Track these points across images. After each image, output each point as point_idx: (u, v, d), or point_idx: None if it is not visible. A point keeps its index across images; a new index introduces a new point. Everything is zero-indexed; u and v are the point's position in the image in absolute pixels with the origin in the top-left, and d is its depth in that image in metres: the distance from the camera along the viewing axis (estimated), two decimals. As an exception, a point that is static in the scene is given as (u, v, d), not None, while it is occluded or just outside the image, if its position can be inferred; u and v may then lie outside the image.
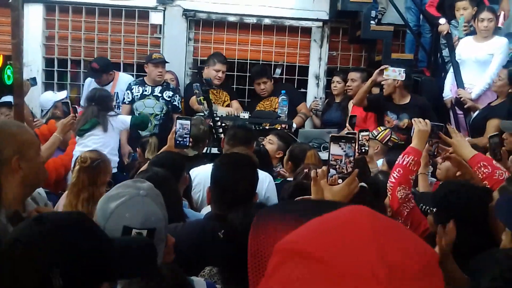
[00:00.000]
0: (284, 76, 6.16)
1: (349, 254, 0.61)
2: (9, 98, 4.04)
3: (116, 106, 4.91)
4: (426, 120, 2.54)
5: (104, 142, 4.08)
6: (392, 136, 4.07)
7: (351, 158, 1.74)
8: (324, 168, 1.74)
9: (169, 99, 5.13)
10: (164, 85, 5.18)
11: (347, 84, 5.31)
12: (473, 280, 1.46)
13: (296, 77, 6.20)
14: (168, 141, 3.03)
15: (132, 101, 5.11)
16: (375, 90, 4.89)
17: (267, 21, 6.07)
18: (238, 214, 1.72)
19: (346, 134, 2.96)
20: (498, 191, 2.03)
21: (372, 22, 5.68)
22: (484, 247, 1.65)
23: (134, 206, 1.43)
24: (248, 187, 2.20)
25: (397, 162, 2.40)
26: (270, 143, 3.95)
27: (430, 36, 5.76)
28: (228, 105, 5.33)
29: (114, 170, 3.70)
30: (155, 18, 5.91)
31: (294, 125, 5.05)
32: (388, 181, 2.39)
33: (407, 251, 0.64)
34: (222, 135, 3.79)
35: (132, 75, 5.76)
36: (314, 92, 6.23)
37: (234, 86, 6.07)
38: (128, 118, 4.40)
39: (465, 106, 4.73)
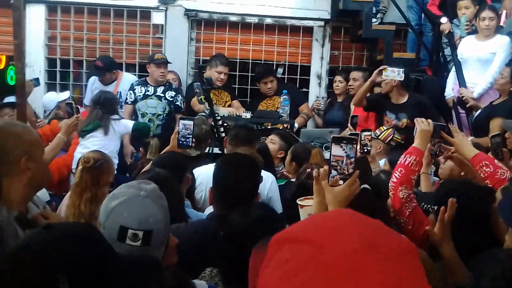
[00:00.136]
0: (286, 76, 6.17)
1: (332, 234, 0.73)
2: (12, 99, 4.06)
3: (119, 106, 4.93)
4: (429, 120, 2.54)
5: (103, 144, 4.10)
6: (394, 136, 4.07)
7: (352, 159, 1.74)
8: (326, 167, 1.74)
9: (171, 99, 5.13)
10: (167, 85, 5.18)
11: (349, 84, 5.31)
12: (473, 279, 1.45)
13: (298, 76, 6.21)
14: (171, 141, 3.04)
15: (134, 101, 5.12)
16: (377, 90, 4.88)
17: (268, 20, 6.07)
18: (238, 215, 1.73)
19: (349, 135, 2.95)
20: (501, 191, 2.02)
21: (374, 20, 5.67)
22: (484, 247, 1.65)
23: (132, 206, 1.43)
24: (250, 187, 2.20)
25: (399, 162, 2.40)
26: (272, 143, 3.95)
27: (432, 35, 5.75)
28: (229, 106, 5.34)
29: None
30: (157, 18, 5.92)
31: (296, 125, 5.05)
32: (390, 181, 2.38)
33: (385, 235, 0.76)
34: (223, 135, 3.80)
35: (135, 75, 5.77)
36: (316, 92, 6.23)
37: (236, 86, 6.09)
38: (130, 123, 4.44)
39: (467, 105, 4.72)
